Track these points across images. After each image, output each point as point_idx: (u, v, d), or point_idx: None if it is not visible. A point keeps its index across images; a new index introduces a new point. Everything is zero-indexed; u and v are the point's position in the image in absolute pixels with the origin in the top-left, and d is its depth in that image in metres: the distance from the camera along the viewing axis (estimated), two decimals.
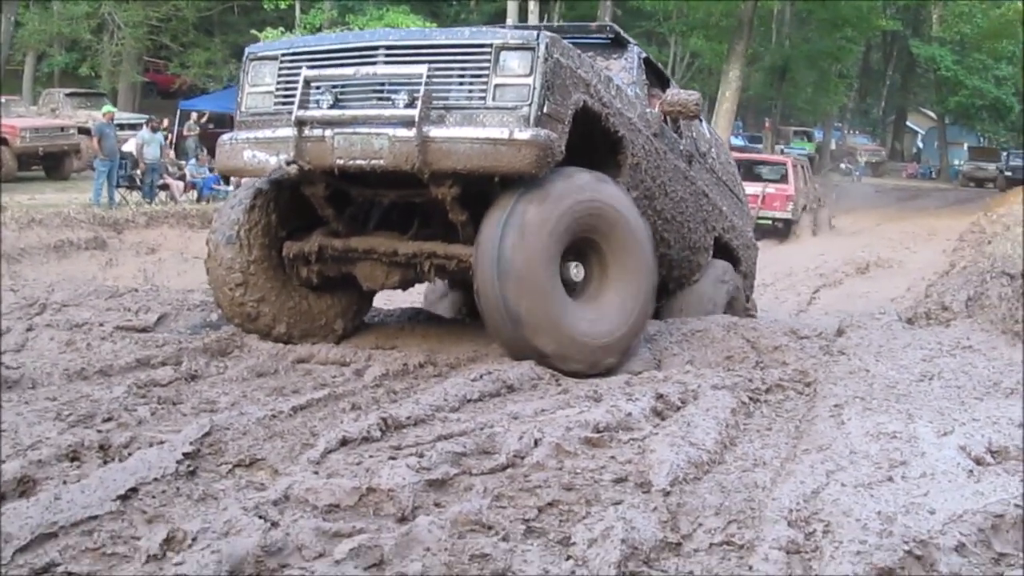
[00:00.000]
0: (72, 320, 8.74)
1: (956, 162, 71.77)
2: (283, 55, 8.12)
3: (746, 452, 5.49)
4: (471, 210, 7.78)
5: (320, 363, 7.75)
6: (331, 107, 7.67)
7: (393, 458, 5.01)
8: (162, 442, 5.15)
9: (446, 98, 7.45)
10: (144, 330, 8.75)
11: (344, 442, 5.27)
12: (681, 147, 9.95)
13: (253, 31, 36.24)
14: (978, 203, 45.02)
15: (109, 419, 5.70)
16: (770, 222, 29.39)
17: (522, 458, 5.07)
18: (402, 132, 7.31)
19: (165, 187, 27.87)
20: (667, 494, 4.65)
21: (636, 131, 8.68)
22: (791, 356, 8.18)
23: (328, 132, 7.57)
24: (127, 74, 40.49)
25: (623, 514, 4.30)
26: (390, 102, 7.50)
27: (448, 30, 7.95)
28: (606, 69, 8.78)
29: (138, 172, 27.39)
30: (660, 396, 6.32)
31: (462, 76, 7.52)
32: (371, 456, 5.09)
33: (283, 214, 8.57)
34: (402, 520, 4.33)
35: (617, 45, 9.62)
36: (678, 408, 6.24)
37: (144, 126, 29.33)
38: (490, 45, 7.41)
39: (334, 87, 7.73)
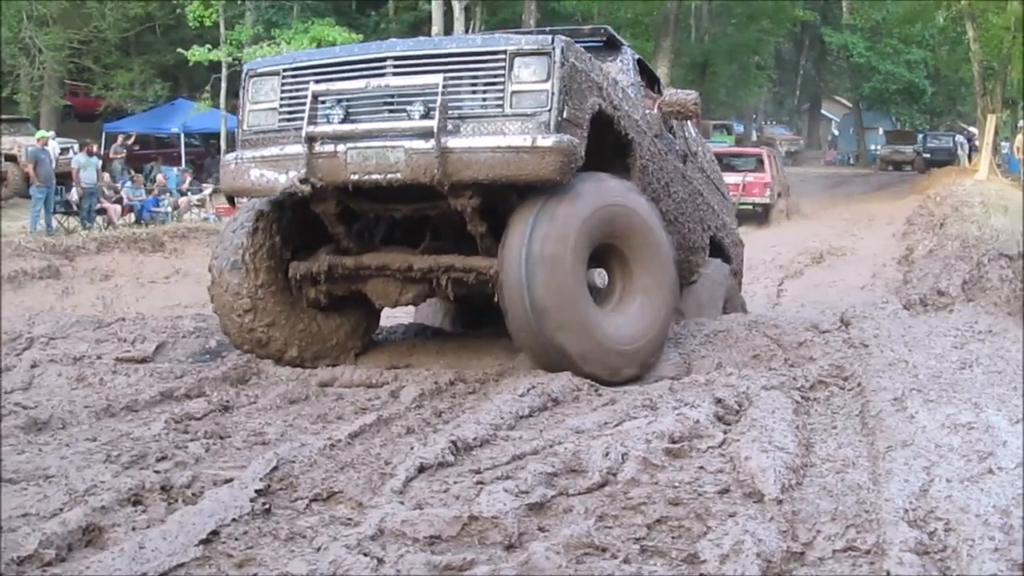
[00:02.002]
0: (69, 353, 8.47)
1: (873, 147, 72.41)
2: (285, 70, 7.93)
3: (828, 453, 5.37)
4: (488, 222, 7.64)
5: (345, 386, 7.59)
6: (342, 121, 7.47)
7: (481, 483, 4.82)
8: (228, 480, 4.93)
9: (460, 107, 7.30)
10: (144, 360, 8.50)
11: (422, 468, 5.08)
12: (677, 147, 9.86)
13: (179, 49, 35.77)
14: (901, 186, 45.83)
15: (163, 458, 5.46)
16: (751, 207, 31.66)
17: (614, 475, 4.91)
18: (419, 144, 7.16)
19: (102, 211, 27.40)
20: (780, 502, 4.50)
21: (642, 133, 8.59)
22: (818, 351, 8.08)
23: (341, 147, 7.40)
24: (49, 98, 39.82)
25: (746, 527, 4.14)
26: (404, 114, 7.34)
27: (459, 38, 7.83)
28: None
29: (75, 197, 26.87)
30: (719, 400, 6.19)
31: (475, 85, 7.40)
32: (455, 482, 4.90)
33: (286, 234, 8.37)
34: (510, 548, 4.14)
35: (611, 47, 9.48)
36: (737, 412, 6.12)
37: (79, 150, 28.83)
38: (504, 52, 7.28)
39: (342, 101, 7.54)
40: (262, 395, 7.18)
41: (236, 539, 4.28)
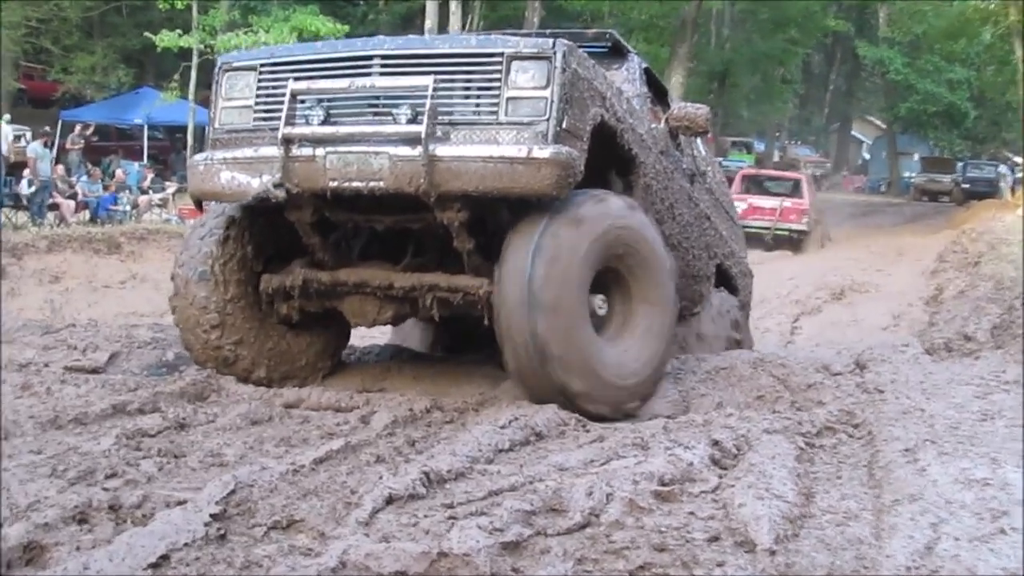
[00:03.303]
0: (14, 360, 8.60)
1: (907, 174, 72.33)
2: (263, 66, 8.02)
3: (830, 504, 5.47)
4: (476, 238, 7.73)
5: (312, 409, 7.67)
6: (322, 123, 7.55)
7: (453, 518, 4.93)
8: (182, 502, 5.05)
9: (451, 113, 7.38)
10: (95, 371, 8.64)
11: (391, 500, 5.18)
12: (684, 166, 9.97)
13: (147, 33, 35.83)
14: (937, 219, 45.82)
15: (113, 475, 5.57)
16: (787, 233, 34.31)
17: (597, 516, 5.01)
18: (405, 151, 7.24)
19: (54, 207, 27.48)
20: (773, 553, 4.62)
21: (647, 149, 8.70)
22: (827, 395, 8.20)
23: (320, 151, 7.47)
24: (3, 80, 39.82)
25: None
26: (390, 117, 7.41)
27: (452, 37, 7.93)
28: None
29: (25, 190, 26.90)
30: (716, 443, 6.31)
31: (468, 89, 7.48)
32: (426, 516, 5.00)
33: (258, 244, 8.44)
34: None
35: (616, 54, 9.59)
36: (735, 455, 6.23)
37: (34, 139, 28.89)
38: (501, 54, 7.36)
39: (323, 101, 7.62)
40: (221, 414, 7.25)
41: (187, 564, 4.37)
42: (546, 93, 7.25)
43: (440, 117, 7.30)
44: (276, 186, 7.57)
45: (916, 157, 74.30)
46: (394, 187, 7.30)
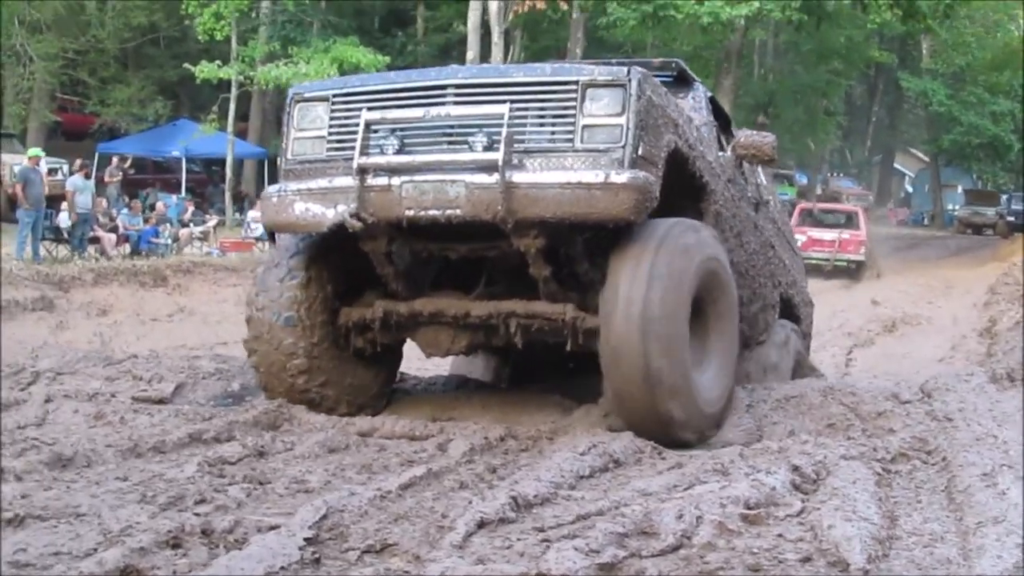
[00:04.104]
0: (80, 390, 8.79)
1: (951, 206, 72.06)
2: (335, 96, 8.14)
3: (915, 527, 5.60)
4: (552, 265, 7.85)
5: (387, 437, 7.80)
6: (397, 152, 7.67)
7: (547, 541, 5.07)
8: (275, 527, 5.19)
9: (524, 141, 7.50)
10: (162, 401, 8.81)
11: (482, 524, 5.31)
12: (749, 194, 10.09)
13: (186, 65, 36.17)
14: (982, 251, 45.86)
15: (202, 501, 5.72)
16: (845, 264, 36.90)
17: (688, 538, 5.14)
18: (482, 178, 7.36)
19: (95, 240, 27.74)
20: (866, 573, 4.75)
21: (716, 176, 8.82)
22: (898, 423, 8.30)
23: (395, 180, 7.59)
24: (39, 112, 40.02)
25: None
26: (465, 146, 7.54)
27: (526, 66, 8.03)
28: None
29: (65, 223, 27.14)
30: (795, 468, 6.43)
31: (543, 117, 7.63)
32: (519, 539, 5.14)
33: (336, 282, 8.50)
34: None
35: (682, 82, 9.70)
36: (814, 481, 6.36)
37: (70, 171, 29.14)
38: (576, 82, 7.50)
39: (397, 130, 7.74)
40: (298, 442, 7.42)
41: None
42: (621, 120, 7.39)
43: (515, 145, 7.41)
44: (352, 216, 7.64)
45: (960, 190, 74.00)
46: (471, 214, 7.42)
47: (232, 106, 37.20)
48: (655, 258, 7.43)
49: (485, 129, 7.48)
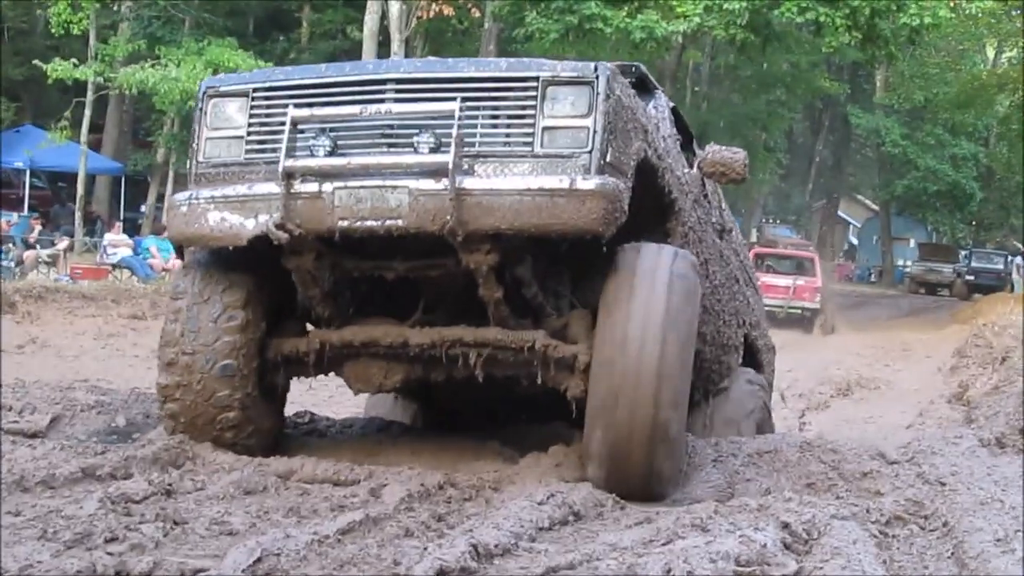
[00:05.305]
0: None
1: (902, 262, 72.38)
2: (256, 90, 7.99)
3: None
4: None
5: (307, 481, 7.71)
6: (329, 154, 7.53)
7: None
8: (201, 570, 5.18)
9: (474, 144, 7.42)
10: (35, 435, 8.71)
11: (442, 572, 5.32)
12: (714, 219, 10.16)
13: (36, 62, 35.84)
14: (939, 313, 46.76)
15: (113, 539, 5.67)
16: (800, 311, 39.47)
17: None
18: (428, 184, 7.24)
19: None
20: None
21: (684, 194, 8.83)
22: (885, 485, 8.39)
23: (327, 186, 7.42)
24: None
25: None
26: (409, 147, 7.43)
27: (478, 60, 7.95)
28: None
29: None
30: (786, 526, 6.49)
31: (496, 118, 7.58)
32: None
33: (269, 314, 8.33)
34: None
35: (643, 90, 9.44)
36: (806, 540, 6.42)
37: None
38: (535, 79, 7.44)
39: (328, 130, 7.62)
40: (209, 482, 7.37)
41: None
42: (588, 122, 7.33)
43: (465, 148, 7.33)
44: (277, 227, 7.43)
45: (912, 243, 74.55)
46: (415, 226, 7.26)
47: (87, 111, 36.84)
48: (669, 299, 7.47)
49: (432, 129, 7.37)
